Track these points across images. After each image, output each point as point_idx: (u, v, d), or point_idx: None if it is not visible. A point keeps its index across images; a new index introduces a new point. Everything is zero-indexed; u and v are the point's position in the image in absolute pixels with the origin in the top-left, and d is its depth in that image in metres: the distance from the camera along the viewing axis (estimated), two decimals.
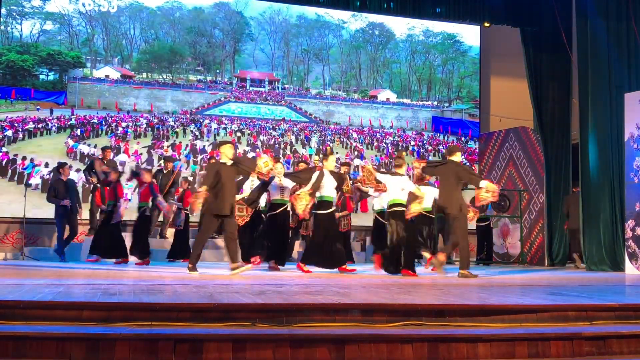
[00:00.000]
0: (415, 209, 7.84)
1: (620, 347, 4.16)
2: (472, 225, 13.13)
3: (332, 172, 8.39)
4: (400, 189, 8.06)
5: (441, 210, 8.08)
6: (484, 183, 8.00)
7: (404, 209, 7.97)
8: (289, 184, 8.69)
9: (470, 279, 7.54)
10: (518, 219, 12.40)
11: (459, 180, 8.00)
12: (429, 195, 8.69)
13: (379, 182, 8.42)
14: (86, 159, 12.49)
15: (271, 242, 8.64)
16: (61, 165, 10.22)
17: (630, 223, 9.86)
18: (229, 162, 7.63)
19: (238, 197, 8.46)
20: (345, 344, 3.80)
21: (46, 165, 12.28)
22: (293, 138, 14.35)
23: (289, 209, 8.81)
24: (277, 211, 8.66)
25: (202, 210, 7.67)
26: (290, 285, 5.96)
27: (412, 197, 7.96)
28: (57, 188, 9.80)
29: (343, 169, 12.21)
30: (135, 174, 9.87)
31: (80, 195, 11.14)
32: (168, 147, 13.44)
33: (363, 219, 12.19)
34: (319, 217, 8.30)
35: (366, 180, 8.38)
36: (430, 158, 15.21)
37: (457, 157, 8.19)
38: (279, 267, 8.77)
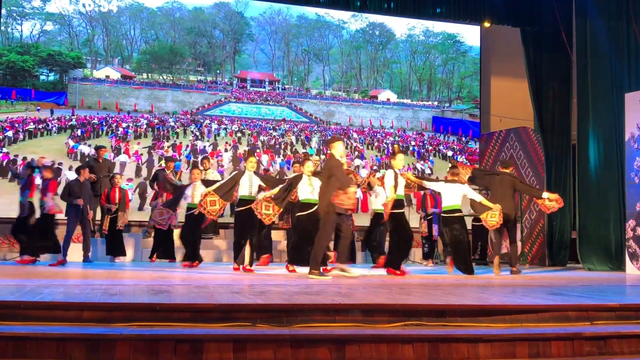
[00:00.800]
0: (493, 220, 8.61)
1: (621, 347, 4.16)
2: (468, 225, 13.10)
3: (314, 174, 8.37)
4: (461, 196, 8.68)
5: (506, 218, 8.86)
6: (545, 194, 9.15)
7: (461, 214, 8.69)
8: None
9: (516, 275, 8.67)
10: (518, 219, 12.39)
11: (514, 191, 9.25)
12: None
13: (422, 189, 9.28)
14: (86, 159, 12.49)
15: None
16: (82, 167, 10.24)
17: (630, 223, 9.86)
18: (343, 160, 7.81)
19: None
20: (346, 344, 3.80)
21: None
22: (293, 138, 14.35)
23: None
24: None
25: (325, 211, 7.50)
26: (291, 286, 5.96)
27: (482, 207, 8.69)
28: (73, 188, 9.82)
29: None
30: (29, 167, 9.99)
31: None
32: (168, 147, 13.44)
33: (364, 219, 12.18)
34: (299, 218, 8.33)
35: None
36: (431, 159, 15.20)
37: (511, 170, 9.51)
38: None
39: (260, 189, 8.69)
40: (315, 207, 7.95)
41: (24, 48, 12.93)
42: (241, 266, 8.40)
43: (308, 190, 8.25)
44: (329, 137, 8.40)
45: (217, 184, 8.62)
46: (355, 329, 4.03)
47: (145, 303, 4.20)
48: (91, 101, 13.28)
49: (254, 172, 8.60)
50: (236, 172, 8.89)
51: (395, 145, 9.12)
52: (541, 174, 12.24)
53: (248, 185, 8.43)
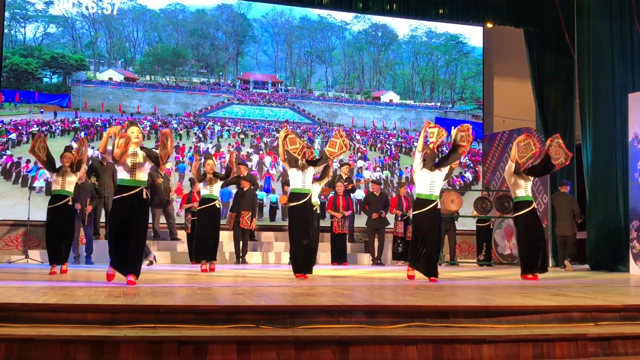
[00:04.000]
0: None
1: (625, 348, 4.15)
2: (472, 226, 13.15)
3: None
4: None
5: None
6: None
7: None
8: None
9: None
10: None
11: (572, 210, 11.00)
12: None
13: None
14: (89, 161, 12.50)
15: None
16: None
17: (634, 224, 9.84)
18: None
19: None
20: (350, 345, 3.80)
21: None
22: None
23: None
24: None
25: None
26: (294, 287, 5.96)
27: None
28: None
29: (344, 169, 12.26)
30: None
31: None
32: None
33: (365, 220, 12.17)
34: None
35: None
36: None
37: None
38: None
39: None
40: (308, 197, 7.64)
41: (27, 51, 12.96)
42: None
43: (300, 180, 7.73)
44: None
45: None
46: (359, 331, 4.03)
47: (149, 305, 4.20)
48: (94, 103, 13.31)
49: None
50: None
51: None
52: (544, 175, 12.21)
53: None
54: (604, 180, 10.86)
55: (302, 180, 7.69)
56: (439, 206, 7.44)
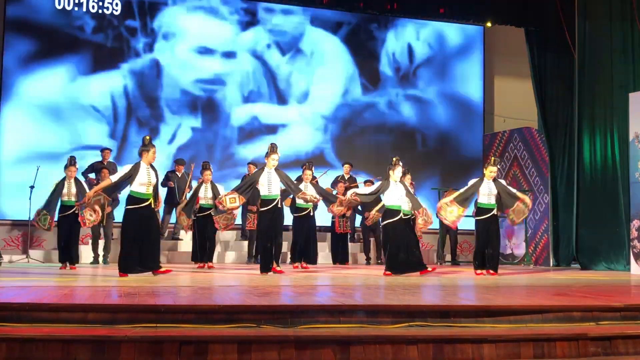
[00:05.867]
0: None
1: (626, 348, 4.16)
2: (472, 226, 13.12)
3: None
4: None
5: None
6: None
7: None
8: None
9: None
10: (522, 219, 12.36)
11: None
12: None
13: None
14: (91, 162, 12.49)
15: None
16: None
17: (635, 223, 9.84)
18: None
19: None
20: (350, 345, 3.81)
21: None
22: None
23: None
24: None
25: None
26: (295, 287, 5.97)
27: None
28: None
29: (345, 168, 12.25)
30: None
31: None
32: None
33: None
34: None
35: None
36: None
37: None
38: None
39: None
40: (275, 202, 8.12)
41: None
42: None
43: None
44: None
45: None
46: (360, 330, 4.04)
47: (150, 304, 4.21)
48: None
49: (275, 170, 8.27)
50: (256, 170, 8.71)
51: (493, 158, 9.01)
52: (545, 175, 12.22)
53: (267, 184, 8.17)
54: (604, 180, 10.86)
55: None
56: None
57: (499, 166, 9.09)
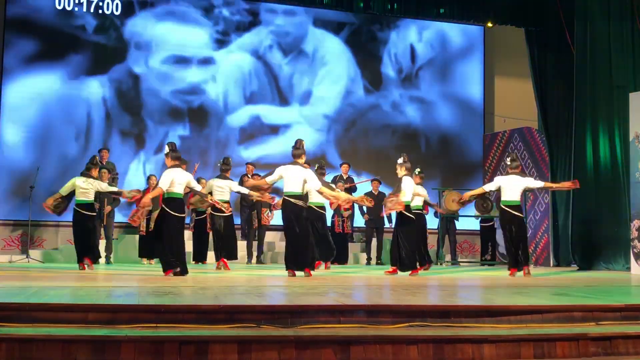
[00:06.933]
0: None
1: (627, 348, 4.15)
2: (476, 226, 13.15)
3: None
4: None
5: None
6: None
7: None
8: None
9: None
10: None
11: None
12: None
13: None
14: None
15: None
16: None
17: (635, 223, 9.84)
18: None
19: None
20: (351, 345, 3.81)
21: None
22: None
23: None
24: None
25: None
26: (295, 287, 5.97)
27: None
28: None
29: (344, 168, 12.24)
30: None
31: None
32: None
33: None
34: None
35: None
36: None
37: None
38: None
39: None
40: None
41: None
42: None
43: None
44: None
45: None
46: (360, 330, 4.04)
47: (150, 305, 4.21)
48: None
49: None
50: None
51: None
52: (545, 175, 12.21)
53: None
54: (605, 180, 10.86)
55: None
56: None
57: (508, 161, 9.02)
